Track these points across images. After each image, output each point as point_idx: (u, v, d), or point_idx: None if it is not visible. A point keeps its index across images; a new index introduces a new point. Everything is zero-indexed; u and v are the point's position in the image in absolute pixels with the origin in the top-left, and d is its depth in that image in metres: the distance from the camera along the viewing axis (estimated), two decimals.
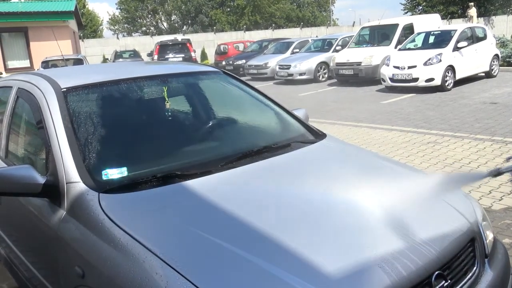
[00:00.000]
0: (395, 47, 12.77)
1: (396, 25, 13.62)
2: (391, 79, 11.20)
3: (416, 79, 10.72)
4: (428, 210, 1.95)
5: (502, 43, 15.38)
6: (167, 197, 1.91)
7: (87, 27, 41.89)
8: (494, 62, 12.30)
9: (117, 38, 31.15)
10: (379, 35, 14.25)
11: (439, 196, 2.03)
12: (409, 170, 2.49)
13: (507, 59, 13.82)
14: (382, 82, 11.67)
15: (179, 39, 21.71)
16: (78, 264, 1.77)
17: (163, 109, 2.62)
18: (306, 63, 15.14)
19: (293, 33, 30.90)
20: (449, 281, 1.67)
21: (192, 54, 20.23)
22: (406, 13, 40.72)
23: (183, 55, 19.75)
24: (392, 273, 1.54)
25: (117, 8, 47.08)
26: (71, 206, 1.92)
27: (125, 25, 47.35)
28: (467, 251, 1.87)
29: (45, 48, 16.56)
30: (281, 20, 45.33)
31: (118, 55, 23.24)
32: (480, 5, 33.09)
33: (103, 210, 1.78)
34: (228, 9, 44.29)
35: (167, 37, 24.94)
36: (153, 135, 2.50)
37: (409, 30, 13.49)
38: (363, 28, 15.09)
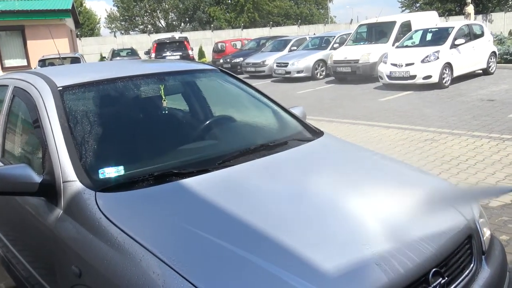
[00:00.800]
0: (393, 45, 12.77)
1: (394, 23, 13.62)
2: (389, 77, 11.20)
3: (413, 77, 10.72)
4: (426, 208, 1.95)
5: (499, 40, 15.40)
6: (164, 195, 1.91)
7: (84, 25, 41.79)
8: (491, 59, 12.32)
9: (115, 36, 31.09)
10: (376, 32, 14.24)
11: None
12: (406, 168, 2.49)
13: (504, 56, 13.84)
14: (380, 80, 11.67)
15: (177, 37, 21.67)
16: (75, 263, 1.77)
17: (160, 108, 2.61)
18: (304, 61, 15.13)
19: (291, 31, 30.89)
20: (446, 278, 1.67)
21: (190, 52, 20.20)
22: (404, 10, 40.77)
23: (180, 53, 19.71)
24: (389, 270, 1.54)
25: (114, 5, 46.96)
26: (67, 205, 1.91)
27: (123, 23, 47.22)
28: (464, 248, 1.87)
29: (42, 47, 16.49)
30: (278, 18, 45.27)
31: (115, 54, 23.18)
32: (478, 2, 33.13)
33: (99, 209, 1.78)
34: (226, 7, 44.20)
35: (164, 35, 24.89)
36: (149, 134, 2.50)
37: (406, 27, 13.48)
38: (360, 25, 15.08)
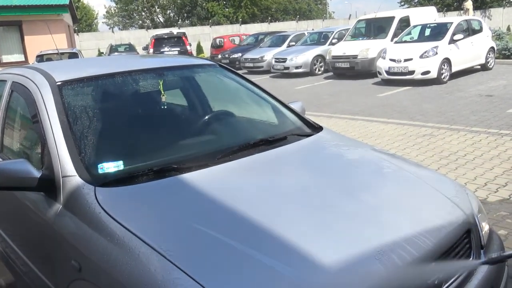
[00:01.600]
0: (391, 40, 12.76)
1: (392, 18, 13.60)
2: (387, 72, 11.20)
3: (412, 72, 10.72)
4: (424, 202, 1.96)
5: (497, 36, 15.39)
6: (163, 190, 1.91)
7: (82, 20, 41.61)
8: (489, 54, 12.31)
9: (112, 31, 30.96)
10: (375, 28, 14.23)
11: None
12: (405, 163, 2.49)
13: (502, 52, 13.85)
14: (378, 75, 11.67)
15: (175, 33, 21.58)
16: (74, 258, 1.77)
17: (159, 102, 2.61)
18: (302, 56, 15.11)
19: (289, 26, 30.81)
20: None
21: (188, 47, 20.13)
22: (402, 5, 40.68)
23: (178, 49, 19.64)
24: (389, 264, 1.54)
25: (111, 0, 46.75)
26: (67, 200, 1.91)
27: (121, 18, 47.04)
28: (463, 243, 1.87)
29: (39, 42, 16.42)
30: (277, 13, 45.15)
31: (113, 49, 23.10)
32: None
33: (99, 204, 1.78)
34: (224, 2, 44.03)
35: (162, 31, 24.80)
36: (149, 129, 2.49)
37: (405, 23, 13.46)
38: (359, 21, 15.06)
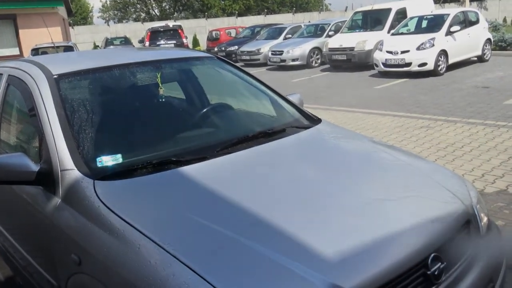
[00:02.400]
0: (388, 32, 12.73)
1: (389, 10, 13.56)
2: (384, 64, 11.19)
3: (409, 64, 10.71)
4: (424, 193, 1.96)
5: (494, 27, 15.39)
6: (162, 183, 1.90)
7: (77, 14, 41.29)
8: (486, 46, 12.31)
9: (108, 25, 30.77)
10: (372, 20, 14.18)
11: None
12: (404, 154, 2.49)
13: (499, 43, 13.85)
14: (375, 67, 11.65)
15: (171, 25, 21.48)
16: (74, 252, 1.76)
17: (157, 95, 2.59)
18: (299, 49, 15.07)
19: (286, 19, 30.68)
20: (445, 263, 1.68)
21: (184, 40, 20.04)
22: None
23: (174, 42, 19.55)
24: (390, 255, 1.55)
25: None
26: (66, 193, 1.90)
27: (116, 12, 46.70)
28: (463, 233, 1.88)
29: (34, 36, 16.29)
30: (274, 5, 44.91)
31: (109, 42, 22.95)
32: None
33: (98, 197, 1.77)
34: None
35: (158, 24, 24.65)
36: (147, 122, 2.48)
37: (402, 14, 13.42)
38: (356, 13, 14.99)
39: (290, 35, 17.57)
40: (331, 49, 13.61)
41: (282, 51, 15.27)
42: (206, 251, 1.51)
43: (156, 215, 1.72)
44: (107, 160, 2.00)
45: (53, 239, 1.94)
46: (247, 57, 17.41)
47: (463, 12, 12.16)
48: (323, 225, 1.67)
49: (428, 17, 12.33)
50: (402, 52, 10.83)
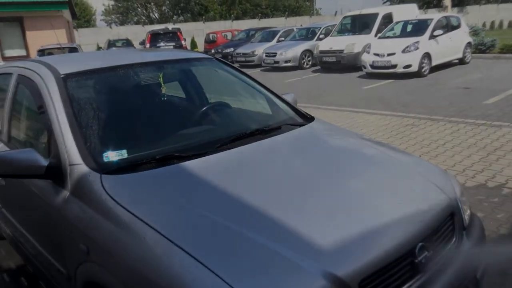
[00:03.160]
0: (375, 36, 12.75)
1: (376, 15, 13.58)
2: (372, 66, 11.22)
3: (394, 66, 10.76)
4: (411, 187, 1.97)
5: (474, 32, 15.43)
6: (166, 177, 1.90)
7: (81, 17, 40.97)
8: (467, 49, 12.38)
9: (110, 27, 30.59)
10: (360, 24, 14.19)
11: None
12: (393, 150, 2.50)
13: (479, 47, 13.94)
14: (363, 69, 11.68)
15: (170, 28, 21.34)
16: (82, 242, 1.76)
17: (159, 94, 2.58)
18: (291, 51, 15.06)
19: (279, 23, 30.64)
20: (431, 251, 1.70)
21: (183, 42, 19.93)
22: (386, 3, 40.61)
23: (173, 44, 19.45)
24: (380, 245, 1.56)
25: None
26: (74, 187, 1.89)
27: (118, 15, 46.40)
28: (447, 224, 1.89)
29: (40, 37, 16.15)
30: (267, 10, 44.81)
31: (111, 44, 22.79)
32: None
33: (105, 190, 1.76)
34: None
35: (158, 26, 24.52)
36: (150, 119, 2.47)
37: (388, 19, 13.45)
38: (345, 17, 15.02)
39: (283, 38, 17.56)
40: (322, 52, 13.62)
41: (276, 53, 15.26)
42: (208, 241, 1.51)
43: (161, 207, 1.71)
44: (113, 155, 1.99)
45: (62, 230, 1.93)
46: (243, 59, 17.37)
47: (445, 17, 12.21)
48: (317, 218, 1.67)
49: (413, 21, 12.37)
50: (389, 55, 10.87)
